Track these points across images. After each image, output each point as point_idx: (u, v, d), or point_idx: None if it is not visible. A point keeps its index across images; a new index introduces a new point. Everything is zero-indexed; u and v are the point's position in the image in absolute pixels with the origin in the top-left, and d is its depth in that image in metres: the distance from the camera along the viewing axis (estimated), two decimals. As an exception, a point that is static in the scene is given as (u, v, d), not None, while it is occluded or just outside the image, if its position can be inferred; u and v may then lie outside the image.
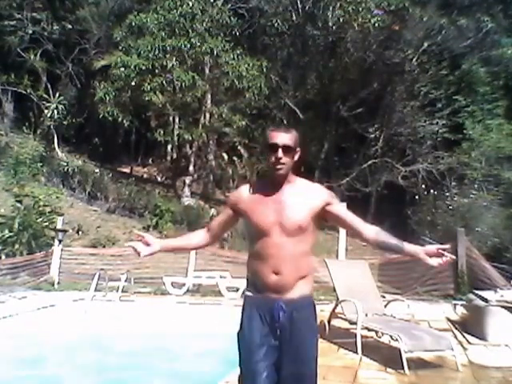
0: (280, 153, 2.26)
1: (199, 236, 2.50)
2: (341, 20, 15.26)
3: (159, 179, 21.21)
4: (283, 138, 2.29)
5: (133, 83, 14.39)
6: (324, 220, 2.38)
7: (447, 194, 13.67)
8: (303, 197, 2.31)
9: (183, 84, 14.19)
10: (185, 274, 9.29)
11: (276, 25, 16.55)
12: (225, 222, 2.49)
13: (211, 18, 15.15)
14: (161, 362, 5.40)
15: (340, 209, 2.40)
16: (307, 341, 2.30)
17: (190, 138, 15.68)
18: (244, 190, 2.41)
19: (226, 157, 18.84)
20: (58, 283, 9.89)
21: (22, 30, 18.44)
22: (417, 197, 14.99)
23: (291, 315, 2.25)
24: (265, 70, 15.30)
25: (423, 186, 15.13)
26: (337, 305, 5.76)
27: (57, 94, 18.18)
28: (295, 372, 2.24)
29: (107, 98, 14.70)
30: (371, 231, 2.33)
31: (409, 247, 2.24)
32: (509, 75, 16.23)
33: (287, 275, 2.23)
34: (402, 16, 15.66)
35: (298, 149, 2.37)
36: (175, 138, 18.80)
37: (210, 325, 6.70)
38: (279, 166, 2.27)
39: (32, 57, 18.28)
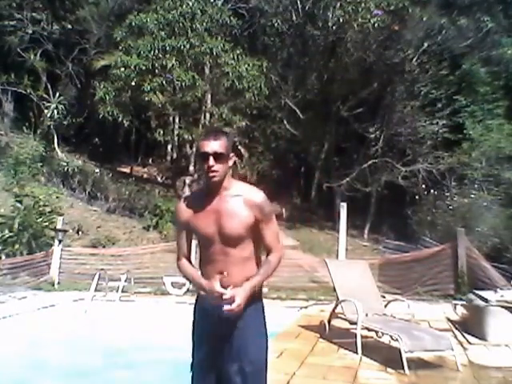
0: (211, 161, 2.28)
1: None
2: (341, 20, 15.25)
3: (159, 179, 21.20)
4: (213, 145, 2.30)
5: (133, 83, 14.37)
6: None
7: (447, 193, 13.67)
8: (240, 207, 2.33)
9: (183, 84, 14.19)
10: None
11: (276, 25, 16.52)
12: (189, 245, 2.55)
13: (211, 18, 15.13)
14: (161, 362, 5.39)
15: (264, 229, 2.37)
16: (251, 339, 2.35)
17: (190, 138, 15.68)
18: (184, 206, 2.45)
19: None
20: (58, 283, 9.89)
21: (22, 30, 18.40)
22: (417, 197, 14.99)
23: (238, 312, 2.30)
24: (265, 70, 15.30)
25: (423, 186, 15.13)
26: (337, 305, 5.76)
27: (57, 94, 18.17)
28: (237, 369, 2.30)
29: (107, 98, 14.68)
30: (263, 262, 2.42)
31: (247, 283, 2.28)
32: (509, 75, 16.21)
33: (233, 276, 2.29)
34: (401, 16, 15.63)
35: (232, 154, 2.40)
36: (175, 138, 18.80)
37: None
38: (212, 174, 2.30)
39: (32, 57, 18.25)
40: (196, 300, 2.56)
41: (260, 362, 2.37)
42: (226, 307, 2.20)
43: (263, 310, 2.45)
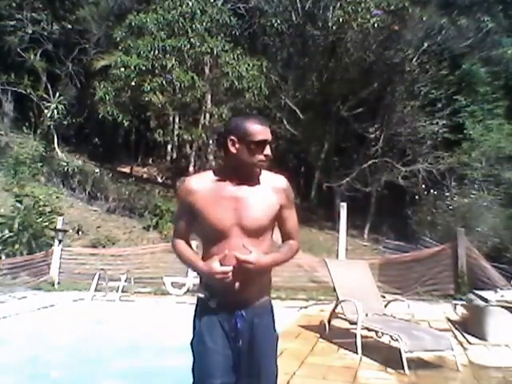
0: (269, 149, 2.09)
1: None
2: (341, 20, 15.25)
3: (159, 179, 21.21)
4: (269, 132, 2.11)
5: (133, 83, 14.38)
6: None
7: (447, 194, 13.67)
8: (264, 194, 2.12)
9: (182, 85, 14.19)
10: (185, 274, 9.29)
11: (276, 25, 16.52)
12: (191, 228, 2.22)
13: (211, 18, 15.12)
14: (162, 362, 5.39)
15: (287, 216, 2.20)
16: (268, 352, 2.15)
17: (190, 138, 15.67)
18: (197, 185, 2.14)
19: (226, 157, 18.81)
20: (58, 283, 9.89)
21: (22, 30, 18.41)
22: (417, 197, 14.99)
23: (252, 322, 2.10)
24: (265, 70, 15.29)
25: (423, 186, 15.12)
26: (337, 305, 5.76)
27: (57, 94, 18.18)
28: None
29: (107, 98, 14.69)
30: (280, 245, 2.23)
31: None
32: (509, 75, 16.22)
33: (248, 279, 2.05)
34: (401, 16, 15.64)
35: None
36: (175, 138, 18.80)
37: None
38: (266, 164, 2.12)
39: (32, 57, 18.26)
40: (196, 309, 2.21)
41: (273, 374, 2.18)
42: (243, 257, 1.97)
43: (273, 309, 2.24)
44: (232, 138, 2.08)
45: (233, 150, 2.07)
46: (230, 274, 1.98)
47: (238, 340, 2.08)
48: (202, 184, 2.13)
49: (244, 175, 2.10)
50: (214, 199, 2.08)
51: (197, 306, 2.21)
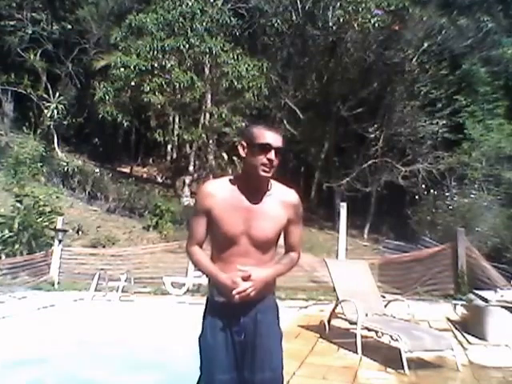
0: (273, 155, 2.15)
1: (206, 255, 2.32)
2: (341, 20, 15.26)
3: (159, 179, 21.22)
4: (277, 139, 2.18)
5: (132, 83, 14.39)
6: None
7: (447, 194, 13.68)
8: (274, 208, 2.21)
9: (181, 85, 14.18)
10: (185, 274, 9.29)
11: (276, 25, 16.53)
12: (206, 233, 2.29)
13: (211, 18, 15.13)
14: (163, 362, 5.39)
15: (293, 229, 2.29)
16: (273, 346, 2.27)
17: (190, 138, 15.68)
18: (216, 190, 2.23)
19: (225, 157, 18.82)
20: (58, 283, 9.89)
21: (22, 30, 18.45)
22: (417, 197, 15.00)
23: (255, 318, 2.21)
24: (265, 70, 15.29)
25: (423, 186, 15.14)
26: (337, 305, 5.76)
27: (57, 94, 18.20)
28: (261, 379, 2.20)
29: (107, 98, 14.69)
30: (282, 257, 2.32)
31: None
32: (509, 75, 16.23)
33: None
34: (401, 16, 15.66)
35: None
36: (175, 138, 18.81)
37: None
38: (269, 169, 2.16)
39: (32, 57, 18.30)
40: (205, 307, 2.34)
41: (280, 368, 2.31)
42: (239, 289, 2.08)
43: (277, 307, 2.37)
44: (243, 142, 2.22)
45: (242, 153, 2.19)
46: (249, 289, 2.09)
47: (241, 333, 2.19)
48: (220, 190, 2.22)
49: (254, 181, 2.18)
50: (229, 207, 2.18)
51: (206, 304, 2.33)
